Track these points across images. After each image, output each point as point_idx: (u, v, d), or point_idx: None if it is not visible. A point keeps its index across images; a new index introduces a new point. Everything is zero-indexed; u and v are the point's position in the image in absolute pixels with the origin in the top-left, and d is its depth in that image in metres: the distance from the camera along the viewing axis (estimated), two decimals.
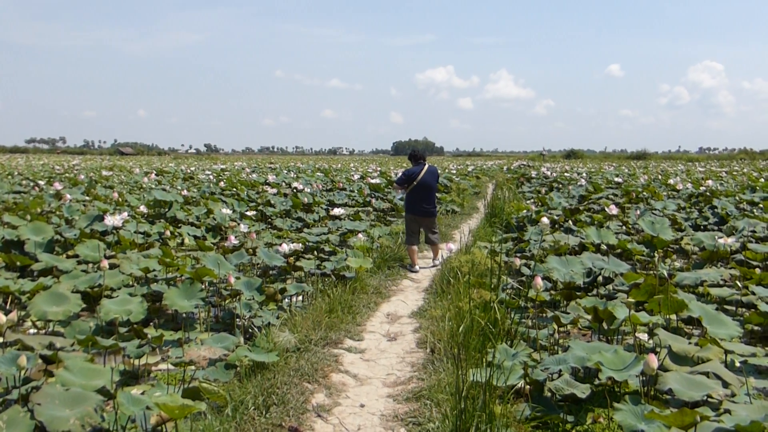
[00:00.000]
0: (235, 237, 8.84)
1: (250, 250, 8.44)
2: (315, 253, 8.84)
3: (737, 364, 4.19)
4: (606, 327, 4.94)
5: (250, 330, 5.44)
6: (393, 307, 6.66)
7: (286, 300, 6.54)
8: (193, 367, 4.36)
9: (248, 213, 11.90)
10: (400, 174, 9.20)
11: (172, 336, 5.61)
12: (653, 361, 3.24)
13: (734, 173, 30.09)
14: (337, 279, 7.12)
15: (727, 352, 4.38)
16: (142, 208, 10.92)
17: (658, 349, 4.89)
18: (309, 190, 16.41)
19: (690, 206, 13.46)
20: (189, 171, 29.79)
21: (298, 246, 8.17)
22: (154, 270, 6.79)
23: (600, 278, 6.46)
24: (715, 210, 11.66)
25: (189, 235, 9.78)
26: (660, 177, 24.92)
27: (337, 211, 11.43)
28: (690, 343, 4.44)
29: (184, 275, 6.50)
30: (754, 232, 9.37)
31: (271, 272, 7.91)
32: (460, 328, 4.68)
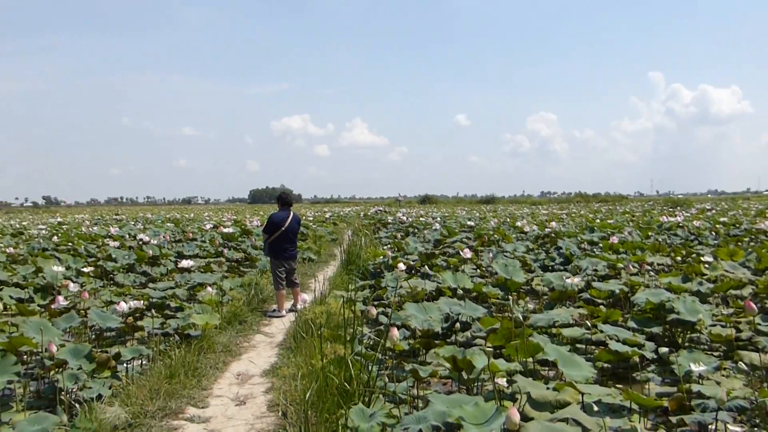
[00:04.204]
0: (65, 297, 7.90)
1: (82, 311, 7.57)
2: (159, 310, 8.11)
3: (595, 408, 4.18)
4: (466, 376, 4.80)
5: (76, 405, 4.71)
6: (244, 366, 6.16)
7: (123, 366, 5.83)
8: None
9: (85, 269, 10.80)
10: (266, 222, 9.34)
11: None
12: (515, 415, 3.09)
13: (573, 215, 32.43)
14: (181, 339, 6.51)
15: (583, 394, 4.39)
16: None
17: (517, 396, 4.85)
18: (156, 242, 15.39)
19: (537, 247, 14.08)
20: (20, 226, 27.13)
21: (140, 303, 7.44)
22: None
23: (458, 324, 6.40)
24: (560, 250, 12.26)
25: (11, 298, 8.63)
26: (509, 220, 26.21)
27: (185, 263, 10.70)
28: (548, 388, 4.40)
29: None
30: (596, 270, 9.89)
31: (107, 335, 7.12)
32: (310, 389, 4.31)
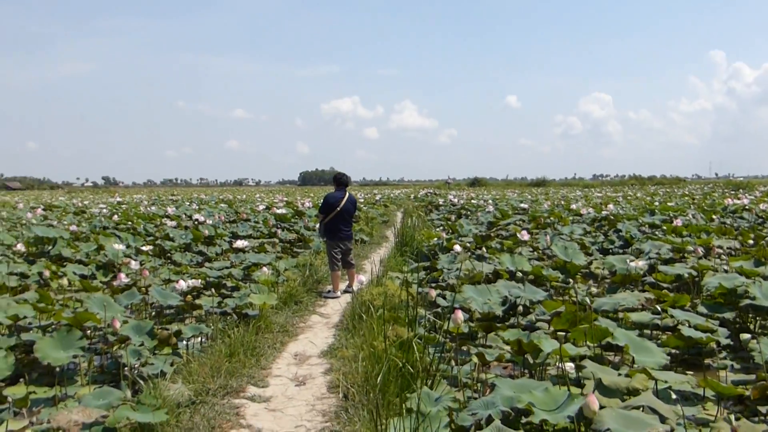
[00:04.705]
0: (126, 275, 8.04)
1: (143, 288, 7.69)
2: (216, 289, 8.18)
3: (673, 396, 3.97)
4: (532, 360, 4.64)
5: (140, 381, 4.75)
6: (301, 347, 6.14)
7: (183, 343, 5.88)
8: None
9: (144, 248, 11.00)
10: (322, 202, 9.29)
11: (47, 393, 4.88)
12: (594, 403, 2.92)
13: (628, 198, 31.54)
14: (239, 318, 6.53)
15: (656, 381, 4.18)
16: (19, 246, 9.83)
17: (584, 382, 4.67)
18: (211, 222, 15.59)
19: (594, 230, 13.69)
20: (81, 205, 27.96)
21: (198, 282, 7.51)
22: (26, 317, 5.95)
23: (520, 307, 6.22)
24: (620, 233, 11.87)
25: (74, 274, 8.85)
26: (562, 203, 25.66)
27: (240, 243, 10.78)
28: (620, 374, 4.22)
29: (61, 321, 5.71)
30: (659, 254, 9.52)
31: (167, 312, 7.21)
32: (375, 372, 4.22)
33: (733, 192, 34.22)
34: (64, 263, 9.97)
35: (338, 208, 8.93)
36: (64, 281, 6.78)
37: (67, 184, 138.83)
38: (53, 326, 5.93)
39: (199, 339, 6.04)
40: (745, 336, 5.18)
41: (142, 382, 4.45)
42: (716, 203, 21.67)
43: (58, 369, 5.14)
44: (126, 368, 5.00)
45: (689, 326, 5.42)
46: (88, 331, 6.39)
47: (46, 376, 5.25)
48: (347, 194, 9.17)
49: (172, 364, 5.18)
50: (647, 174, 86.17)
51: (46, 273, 8.28)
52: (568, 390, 3.60)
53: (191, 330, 5.84)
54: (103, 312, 5.65)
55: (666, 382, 4.19)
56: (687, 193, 37.36)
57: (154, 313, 7.13)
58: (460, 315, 4.10)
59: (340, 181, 9.31)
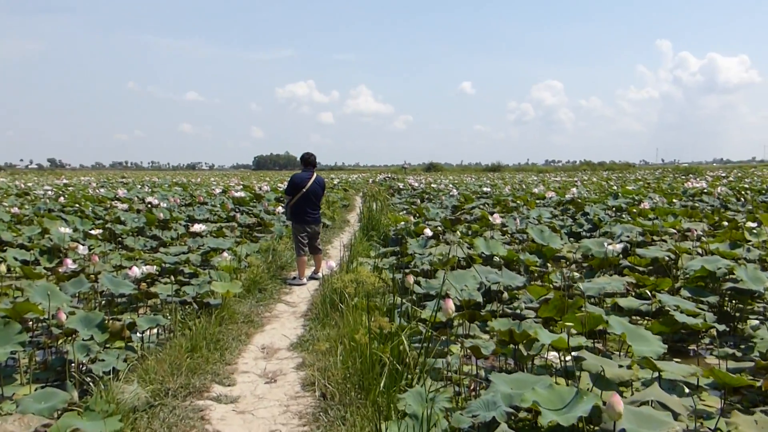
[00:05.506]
0: (73, 260, 7.39)
1: (92, 276, 7.08)
2: (173, 276, 7.61)
3: (686, 390, 3.66)
4: (525, 352, 4.28)
5: (89, 382, 4.22)
6: (268, 338, 5.66)
7: (137, 335, 5.34)
8: None
9: (93, 232, 10.30)
10: (288, 183, 8.76)
11: None
12: (618, 404, 2.56)
13: (585, 182, 31.79)
14: (200, 307, 6.01)
15: (660, 372, 3.88)
16: None
17: (578, 373, 4.36)
18: (165, 205, 14.86)
19: (561, 214, 13.55)
20: (25, 187, 26.62)
21: (152, 268, 6.95)
22: None
23: (505, 294, 5.88)
24: (588, 217, 11.71)
25: (15, 260, 8.15)
26: (524, 187, 25.61)
27: (197, 227, 10.17)
28: (620, 365, 3.90)
29: None
30: (629, 236, 9.36)
31: (118, 302, 6.64)
32: (360, 368, 3.79)
33: (683, 177, 34.87)
34: (4, 248, 9.23)
35: (304, 189, 8.41)
36: (2, 267, 6.13)
37: (10, 166, 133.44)
38: None
39: (156, 331, 5.52)
40: (754, 322, 4.95)
41: (90, 383, 3.92)
42: (673, 187, 21.90)
43: None
44: (72, 365, 4.46)
45: (680, 312, 5.18)
46: (30, 323, 5.81)
47: None
48: (314, 175, 8.64)
49: (125, 360, 4.65)
50: (597, 160, 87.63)
51: None
52: (577, 388, 3.24)
53: (147, 321, 5.30)
54: (47, 302, 5.08)
55: (669, 372, 3.90)
56: (639, 178, 37.93)
57: (104, 303, 6.57)
58: (450, 304, 3.70)
59: (308, 161, 8.75)
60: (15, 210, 12.69)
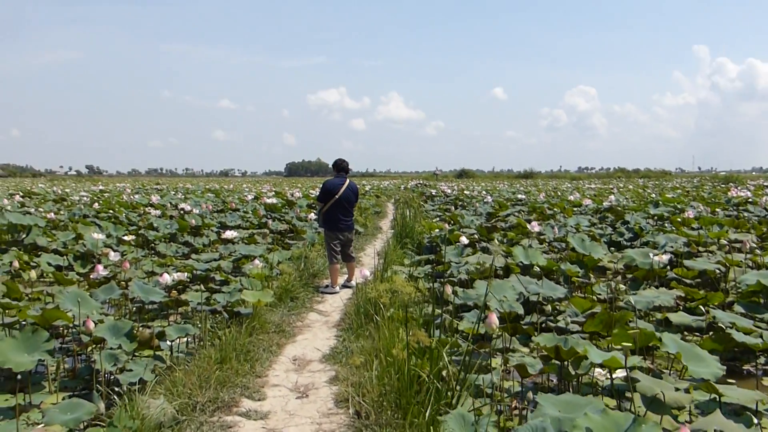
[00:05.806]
0: (105, 266, 7.32)
1: (123, 282, 6.99)
2: (204, 283, 7.50)
3: (755, 421, 3.35)
4: (573, 371, 4.02)
5: (113, 394, 4.07)
6: (300, 349, 5.47)
7: (167, 344, 5.21)
8: None
9: (126, 238, 10.28)
10: (320, 189, 8.59)
11: (8, 401, 4.26)
12: None
13: (621, 189, 31.13)
14: (230, 316, 5.87)
15: (720, 397, 3.59)
16: None
17: (629, 394, 4.08)
18: (198, 212, 14.86)
19: (599, 222, 13.16)
20: (62, 192, 27.03)
21: (183, 275, 6.83)
22: None
23: (548, 306, 5.61)
24: (629, 225, 11.32)
25: (49, 265, 8.13)
26: (559, 194, 25.14)
27: (229, 233, 10.07)
28: (677, 389, 3.62)
29: (27, 320, 5.02)
30: (672, 247, 8.98)
31: (149, 308, 6.54)
32: (397, 385, 3.56)
33: (723, 186, 33.90)
34: (39, 253, 9.25)
35: (337, 196, 8.23)
36: (33, 274, 6.07)
37: (50, 172, 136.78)
38: (19, 324, 5.25)
39: (185, 340, 5.38)
40: None
41: (116, 396, 3.77)
42: (714, 195, 21.24)
43: (19, 376, 4.48)
44: (100, 375, 4.34)
45: (735, 330, 4.85)
46: (60, 329, 5.74)
47: (9, 381, 4.62)
48: (347, 181, 8.45)
49: (153, 371, 4.51)
50: (632, 167, 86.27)
51: (16, 264, 7.55)
52: (634, 414, 2.98)
53: (176, 330, 5.17)
54: (77, 308, 4.98)
55: (731, 397, 3.60)
56: (677, 186, 37.03)
57: (134, 309, 6.48)
58: (494, 318, 3.46)
59: (340, 167, 8.57)
60: (51, 215, 12.77)
